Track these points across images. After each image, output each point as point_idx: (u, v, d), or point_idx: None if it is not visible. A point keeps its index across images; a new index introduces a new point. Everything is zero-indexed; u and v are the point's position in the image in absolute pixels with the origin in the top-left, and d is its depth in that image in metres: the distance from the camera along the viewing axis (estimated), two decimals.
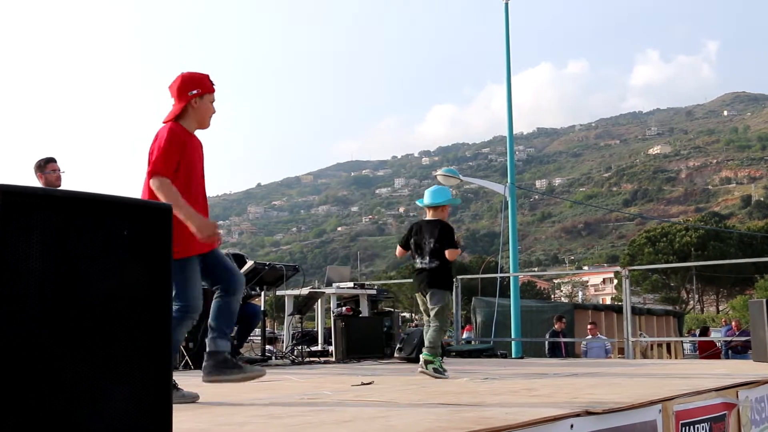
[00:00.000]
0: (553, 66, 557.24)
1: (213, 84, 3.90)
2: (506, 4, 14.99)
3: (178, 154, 3.65)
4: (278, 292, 9.93)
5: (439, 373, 5.42)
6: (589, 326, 14.12)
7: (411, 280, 6.49)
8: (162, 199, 3.49)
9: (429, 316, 5.74)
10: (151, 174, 3.57)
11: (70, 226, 1.57)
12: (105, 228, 1.65)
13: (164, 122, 3.82)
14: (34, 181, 7.01)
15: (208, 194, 4.02)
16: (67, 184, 7.95)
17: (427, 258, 5.73)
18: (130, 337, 1.65)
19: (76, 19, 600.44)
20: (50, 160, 7.10)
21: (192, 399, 3.63)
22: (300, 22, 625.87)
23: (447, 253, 5.68)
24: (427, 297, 5.73)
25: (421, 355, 5.58)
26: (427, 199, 5.93)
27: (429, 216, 5.91)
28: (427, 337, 5.62)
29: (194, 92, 3.79)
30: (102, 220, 1.64)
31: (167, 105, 3.88)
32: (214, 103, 3.90)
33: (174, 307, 3.68)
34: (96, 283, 1.60)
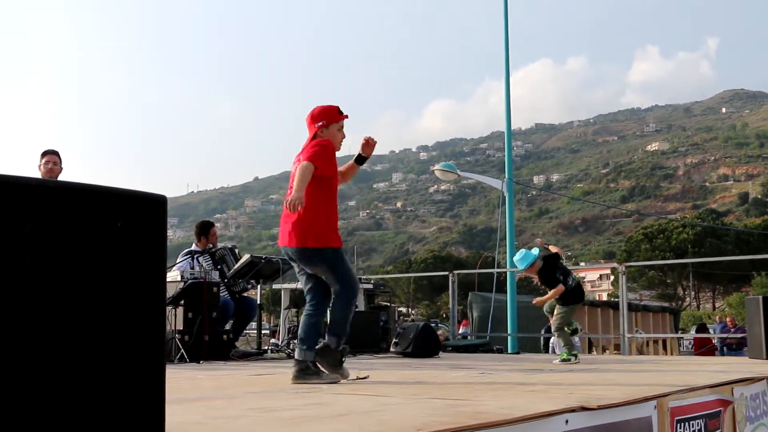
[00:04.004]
0: (552, 62, 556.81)
1: (340, 113, 4.54)
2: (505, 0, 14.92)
3: (326, 158, 4.33)
4: (274, 286, 9.93)
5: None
6: None
7: (407, 275, 7.27)
8: (298, 176, 4.16)
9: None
10: (307, 159, 4.23)
11: (62, 217, 1.56)
12: (98, 219, 1.63)
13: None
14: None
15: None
16: (69, 176, 7.89)
17: (570, 279, 7.29)
18: (123, 331, 1.64)
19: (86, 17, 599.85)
20: (47, 152, 6.98)
21: (346, 376, 4.36)
22: (298, 17, 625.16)
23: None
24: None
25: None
26: (519, 266, 7.32)
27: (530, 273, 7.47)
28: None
29: (319, 124, 4.46)
30: (95, 212, 1.63)
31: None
32: (342, 129, 4.55)
33: (342, 295, 4.35)
34: (89, 275, 1.59)
